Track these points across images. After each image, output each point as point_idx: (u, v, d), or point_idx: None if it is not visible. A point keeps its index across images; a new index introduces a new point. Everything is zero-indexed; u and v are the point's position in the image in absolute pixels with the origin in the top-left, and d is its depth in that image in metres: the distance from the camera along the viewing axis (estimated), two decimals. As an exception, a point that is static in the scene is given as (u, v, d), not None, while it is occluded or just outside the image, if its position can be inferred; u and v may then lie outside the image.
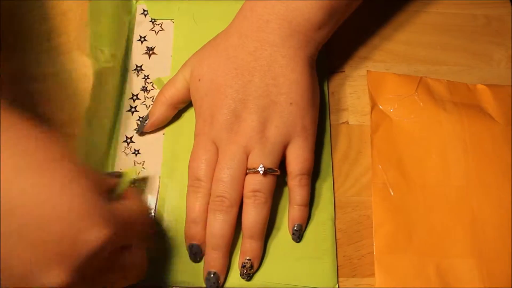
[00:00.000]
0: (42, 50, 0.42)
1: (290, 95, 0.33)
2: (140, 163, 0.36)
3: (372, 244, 0.34)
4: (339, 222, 0.35)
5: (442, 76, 0.40)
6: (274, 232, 0.34)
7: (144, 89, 0.38)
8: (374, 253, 0.33)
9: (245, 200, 0.32)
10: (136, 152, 0.36)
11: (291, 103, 0.32)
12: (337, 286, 0.33)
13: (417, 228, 0.34)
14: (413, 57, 0.42)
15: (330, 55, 0.41)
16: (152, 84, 0.38)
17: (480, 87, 0.39)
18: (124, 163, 0.36)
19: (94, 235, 0.22)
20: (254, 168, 0.32)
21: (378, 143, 0.37)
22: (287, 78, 0.33)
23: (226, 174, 0.31)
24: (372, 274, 0.33)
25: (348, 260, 0.34)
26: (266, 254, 0.33)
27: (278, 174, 0.33)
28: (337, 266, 0.33)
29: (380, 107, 0.38)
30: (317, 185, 0.36)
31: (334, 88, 0.40)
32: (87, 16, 0.35)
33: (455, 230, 0.34)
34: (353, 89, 0.40)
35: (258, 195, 0.32)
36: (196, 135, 0.34)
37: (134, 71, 0.39)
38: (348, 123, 0.39)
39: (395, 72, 0.40)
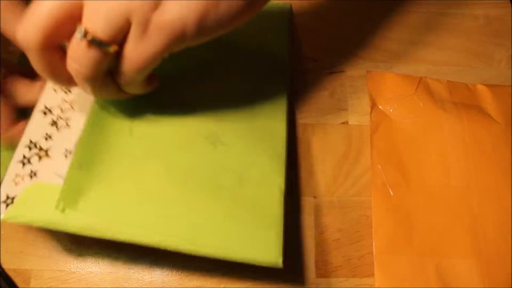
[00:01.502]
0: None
1: None
2: (69, 101, 0.33)
3: (372, 244, 0.34)
4: (339, 222, 0.35)
5: (442, 76, 0.40)
6: (204, 193, 0.30)
7: None
8: (374, 253, 0.33)
9: None
10: (68, 91, 0.33)
11: None
12: (280, 262, 0.28)
13: (417, 228, 0.34)
14: (413, 57, 0.42)
15: (330, 55, 0.41)
16: None
17: (480, 87, 0.39)
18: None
19: None
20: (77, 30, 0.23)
21: (378, 143, 0.37)
22: None
23: None
24: (372, 274, 0.33)
25: (348, 260, 0.34)
26: (196, 218, 0.29)
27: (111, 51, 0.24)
28: (283, 243, 0.29)
29: (380, 107, 0.38)
30: (268, 149, 0.33)
31: (334, 88, 0.40)
32: None
33: (455, 230, 0.34)
34: (353, 89, 0.40)
35: (75, 67, 0.25)
36: None
37: None
38: (348, 123, 0.39)
39: (395, 72, 0.40)
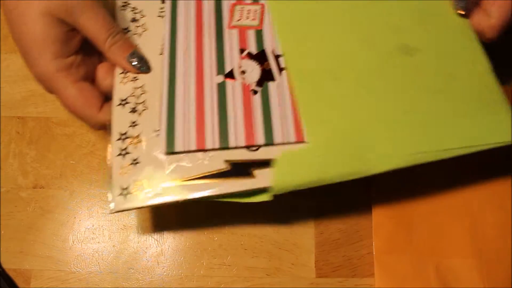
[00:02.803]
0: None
1: None
2: (140, 87, 0.34)
3: (372, 244, 0.34)
4: (339, 222, 0.35)
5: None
6: (426, 102, 0.31)
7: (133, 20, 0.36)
8: (374, 253, 0.33)
9: None
10: (135, 79, 0.34)
11: None
12: None
13: (417, 228, 0.34)
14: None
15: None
16: (141, 12, 0.36)
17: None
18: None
19: None
20: None
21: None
22: None
23: None
24: (372, 274, 0.33)
25: (348, 260, 0.34)
26: (422, 117, 0.30)
27: None
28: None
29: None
30: (460, 40, 0.33)
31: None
32: None
33: (455, 230, 0.34)
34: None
35: None
36: None
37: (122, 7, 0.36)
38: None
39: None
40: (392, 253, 0.33)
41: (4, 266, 0.34)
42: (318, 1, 0.34)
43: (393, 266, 0.33)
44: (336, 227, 0.35)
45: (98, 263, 0.34)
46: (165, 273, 0.34)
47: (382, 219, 0.34)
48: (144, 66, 0.33)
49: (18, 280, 0.34)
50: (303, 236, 0.35)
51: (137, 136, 0.32)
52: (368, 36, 0.33)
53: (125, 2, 0.36)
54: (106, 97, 0.33)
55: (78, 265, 0.34)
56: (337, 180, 0.29)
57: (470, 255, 0.33)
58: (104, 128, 0.32)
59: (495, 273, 0.33)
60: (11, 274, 0.34)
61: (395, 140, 0.30)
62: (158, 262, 0.34)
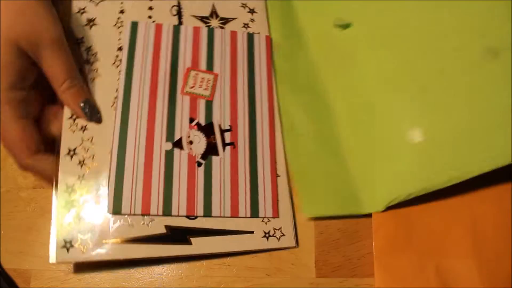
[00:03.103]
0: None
1: None
2: (89, 139, 0.34)
3: (372, 244, 0.34)
4: (339, 222, 0.35)
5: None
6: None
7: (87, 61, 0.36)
8: (374, 253, 0.33)
9: None
10: (84, 128, 0.34)
11: None
12: None
13: (417, 228, 0.34)
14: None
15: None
16: (95, 55, 0.36)
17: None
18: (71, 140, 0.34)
19: None
20: None
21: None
22: None
23: None
24: (372, 274, 0.33)
25: (348, 260, 0.34)
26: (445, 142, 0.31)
27: None
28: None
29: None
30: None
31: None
32: None
33: (455, 230, 0.34)
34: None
35: None
36: None
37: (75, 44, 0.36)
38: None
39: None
40: (392, 253, 0.33)
41: (4, 266, 0.34)
42: (395, 9, 0.34)
43: (393, 266, 0.33)
44: (336, 227, 0.35)
45: (98, 263, 0.34)
46: (165, 273, 0.34)
47: (382, 219, 0.34)
48: (95, 116, 0.33)
49: (18, 280, 0.34)
50: (303, 236, 0.35)
51: (84, 191, 0.33)
52: (455, 44, 0.33)
53: (80, 39, 0.36)
54: (47, 142, 0.33)
55: (78, 265, 0.34)
56: (438, 188, 0.32)
57: (470, 255, 0.33)
58: (28, 170, 0.32)
59: (495, 273, 0.33)
60: (11, 274, 0.34)
61: (492, 143, 0.30)
62: (158, 262, 0.34)
